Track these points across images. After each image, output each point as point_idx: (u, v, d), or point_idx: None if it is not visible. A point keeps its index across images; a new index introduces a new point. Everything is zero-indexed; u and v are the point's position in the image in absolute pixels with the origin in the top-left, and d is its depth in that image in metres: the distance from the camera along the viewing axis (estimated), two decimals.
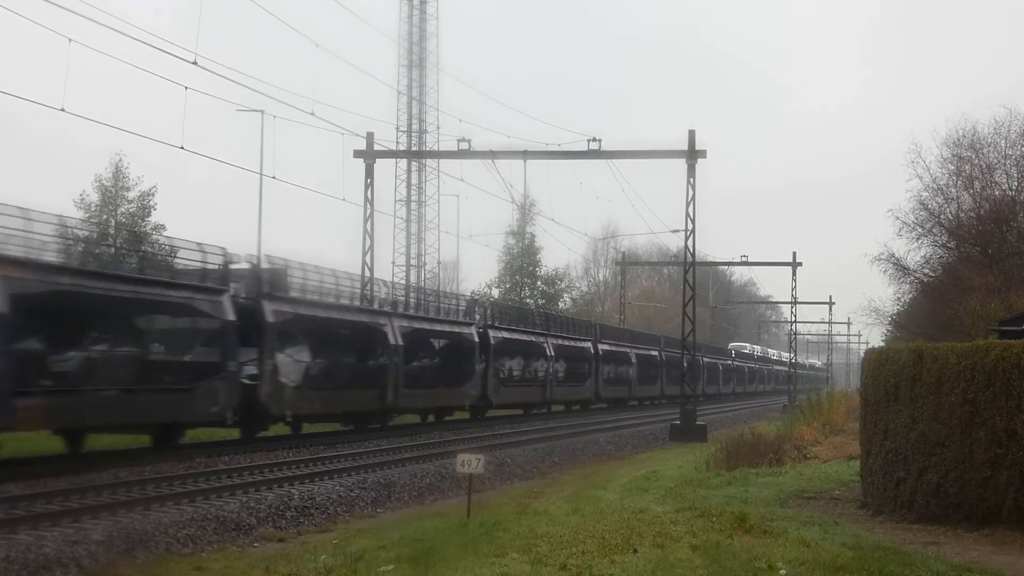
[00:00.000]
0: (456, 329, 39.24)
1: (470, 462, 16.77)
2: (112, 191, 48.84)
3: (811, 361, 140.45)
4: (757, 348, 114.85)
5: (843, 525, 15.32)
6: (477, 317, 42.24)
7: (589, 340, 53.67)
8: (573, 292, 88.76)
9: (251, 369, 26.83)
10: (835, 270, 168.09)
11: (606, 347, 55.64)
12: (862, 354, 26.86)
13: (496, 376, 41.41)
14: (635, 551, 12.86)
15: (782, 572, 11.68)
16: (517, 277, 75.62)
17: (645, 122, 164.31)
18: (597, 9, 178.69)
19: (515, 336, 44.61)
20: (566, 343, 50.33)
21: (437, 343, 38.31)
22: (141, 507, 16.92)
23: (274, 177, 40.54)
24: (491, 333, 41.20)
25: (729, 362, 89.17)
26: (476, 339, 39.79)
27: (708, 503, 17.11)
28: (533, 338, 46.87)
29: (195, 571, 13.61)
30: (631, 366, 59.59)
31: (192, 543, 15.40)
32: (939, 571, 11.94)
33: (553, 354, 47.37)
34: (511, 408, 44.88)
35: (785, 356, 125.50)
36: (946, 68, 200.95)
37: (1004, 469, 14.30)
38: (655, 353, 65.49)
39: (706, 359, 77.49)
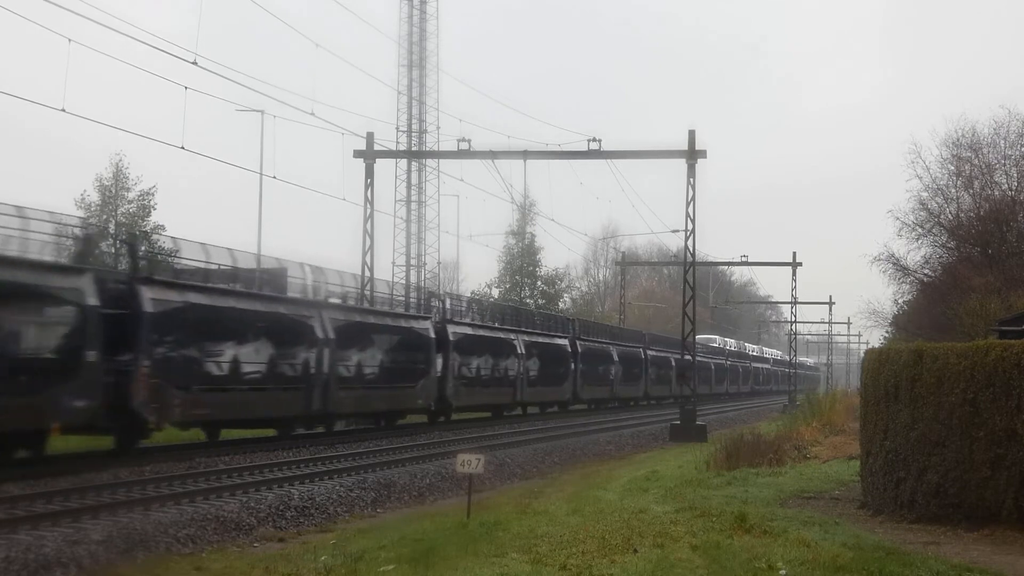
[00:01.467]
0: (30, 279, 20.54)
1: (470, 462, 16.77)
2: (112, 191, 48.88)
3: (802, 359, 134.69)
4: (731, 341, 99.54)
5: (843, 525, 15.33)
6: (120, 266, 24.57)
7: (427, 320, 37.08)
8: (573, 292, 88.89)
9: None
10: (835, 270, 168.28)
11: (464, 330, 39.56)
12: (862, 354, 26.87)
13: (171, 372, 23.35)
14: (635, 551, 12.87)
15: (782, 572, 11.69)
16: (517, 277, 75.65)
17: (645, 122, 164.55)
18: (597, 8, 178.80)
19: (227, 304, 25.98)
20: (370, 321, 33.27)
21: None
22: (141, 507, 16.92)
23: (274, 177, 40.28)
24: (148, 295, 22.78)
25: (688, 357, 74.47)
26: (94, 302, 21.30)
27: (708, 503, 17.12)
28: (285, 310, 28.43)
29: (195, 571, 13.61)
30: (518, 359, 43.94)
31: (192, 543, 15.40)
32: (939, 571, 11.95)
33: (332, 336, 29.61)
34: (210, 427, 27.04)
35: (769, 352, 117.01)
36: (951, 72, 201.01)
37: (1004, 469, 14.30)
38: (563, 342, 50.15)
39: (652, 352, 62.39)
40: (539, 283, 76.61)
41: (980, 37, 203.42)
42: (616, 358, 57.07)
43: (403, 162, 57.53)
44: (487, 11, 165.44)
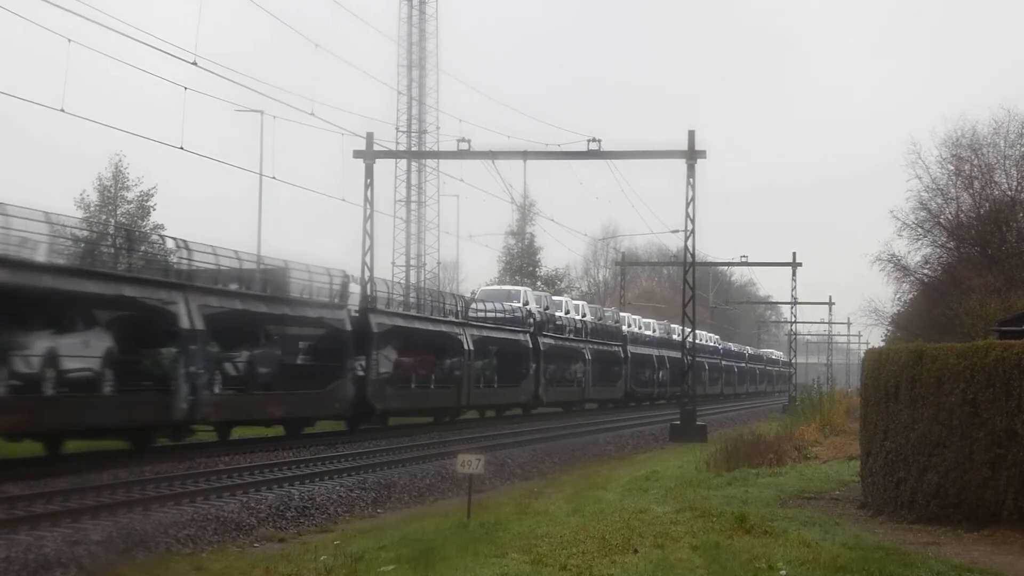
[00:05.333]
0: None
1: (470, 462, 16.77)
2: (112, 191, 48.92)
3: (769, 352, 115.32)
4: (632, 317, 66.92)
5: (843, 525, 15.34)
6: None
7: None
8: (573, 292, 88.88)
9: None
10: (835, 271, 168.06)
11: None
12: (862, 354, 26.88)
13: None
14: (635, 551, 12.87)
15: (782, 572, 11.69)
16: (517, 277, 75.71)
17: (645, 122, 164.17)
18: (597, 8, 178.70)
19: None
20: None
21: None
22: (141, 507, 16.93)
23: (274, 177, 40.21)
24: None
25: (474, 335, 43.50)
26: None
27: (708, 503, 17.12)
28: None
29: (195, 571, 13.61)
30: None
31: (192, 543, 15.40)
32: (939, 571, 11.96)
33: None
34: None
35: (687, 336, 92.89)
36: (953, 73, 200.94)
37: (1004, 469, 14.31)
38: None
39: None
40: (539, 283, 76.67)
41: (983, 38, 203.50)
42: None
43: (403, 162, 57.64)
44: (486, 11, 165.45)
